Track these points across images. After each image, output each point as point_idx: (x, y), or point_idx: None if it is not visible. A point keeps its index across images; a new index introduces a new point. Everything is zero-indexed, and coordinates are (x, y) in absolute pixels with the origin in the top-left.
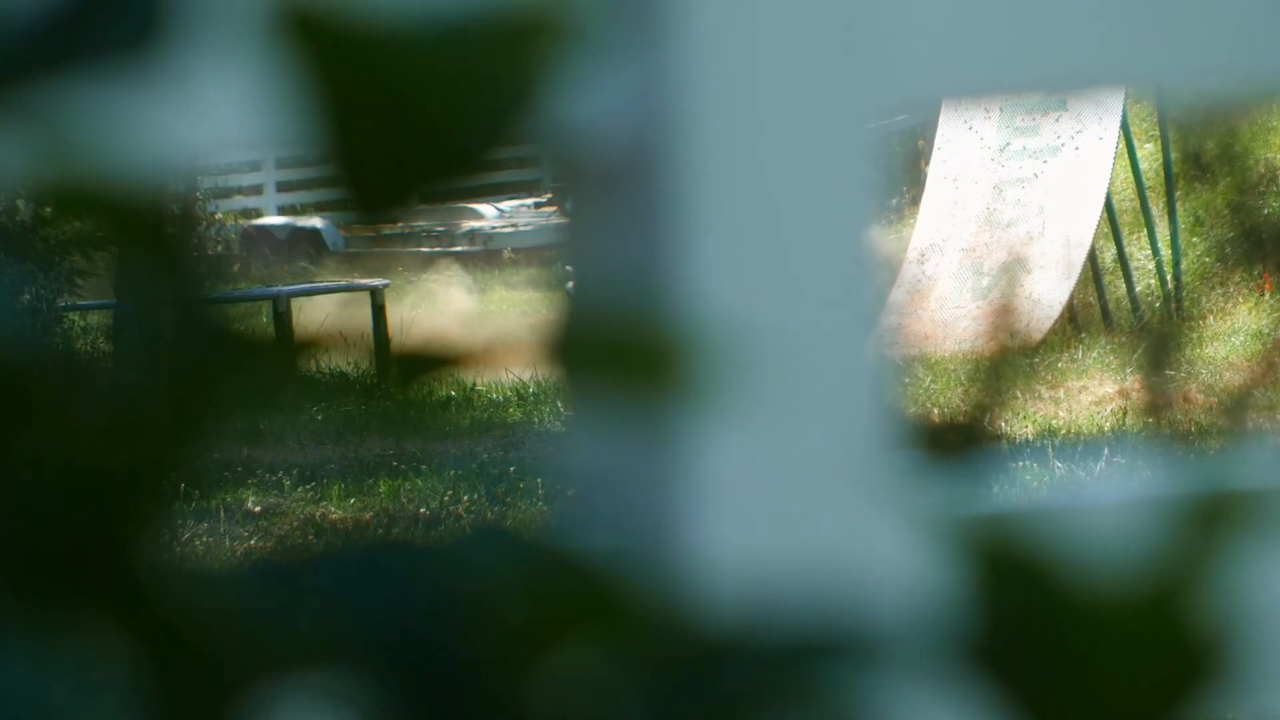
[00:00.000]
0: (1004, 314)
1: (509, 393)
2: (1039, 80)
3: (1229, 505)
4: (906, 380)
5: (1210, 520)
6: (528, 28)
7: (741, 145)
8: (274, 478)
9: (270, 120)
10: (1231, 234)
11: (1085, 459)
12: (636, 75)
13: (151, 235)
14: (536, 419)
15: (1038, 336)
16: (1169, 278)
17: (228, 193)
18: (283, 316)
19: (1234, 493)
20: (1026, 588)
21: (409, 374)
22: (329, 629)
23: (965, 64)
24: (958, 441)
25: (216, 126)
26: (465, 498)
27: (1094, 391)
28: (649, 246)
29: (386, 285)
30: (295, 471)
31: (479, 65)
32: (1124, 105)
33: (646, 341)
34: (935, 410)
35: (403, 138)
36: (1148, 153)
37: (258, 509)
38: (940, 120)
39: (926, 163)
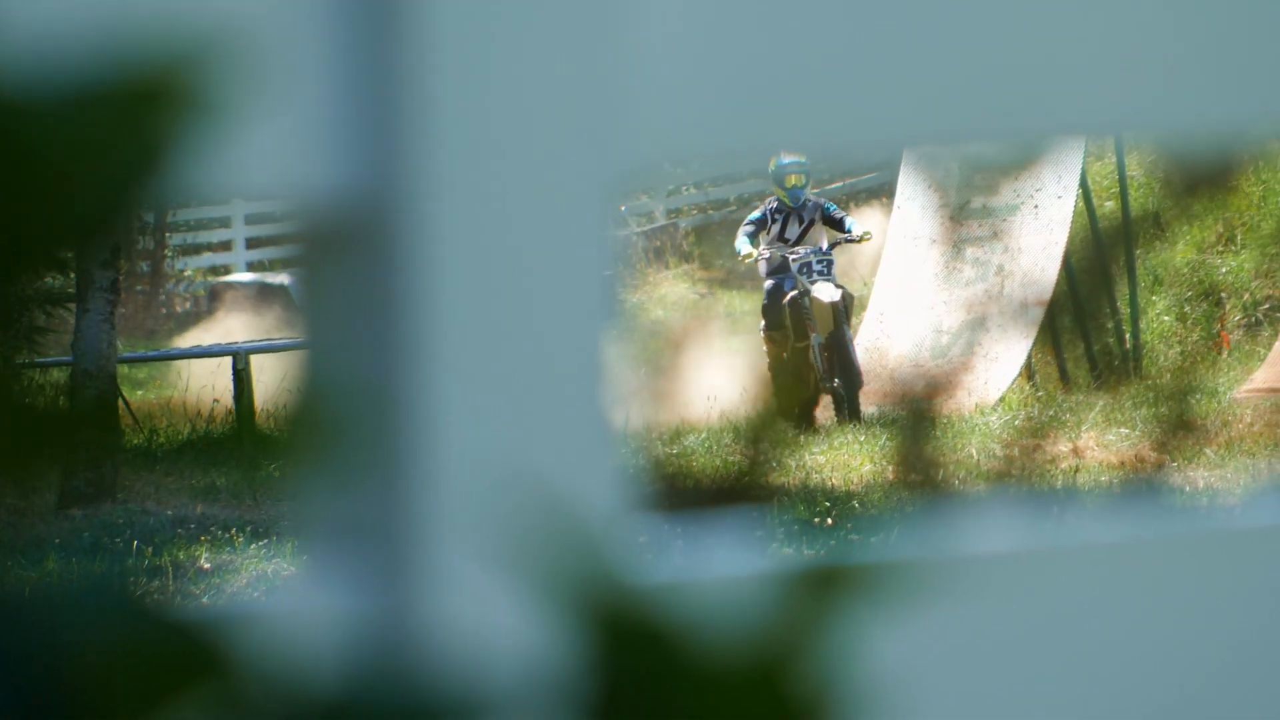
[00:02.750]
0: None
1: None
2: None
3: (839, 578)
4: (642, 443)
5: (819, 591)
6: (151, 94)
7: (476, 211)
8: (227, 534)
9: None
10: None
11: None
12: (371, 140)
13: None
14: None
15: (995, 395)
16: (1127, 336)
17: (196, 249)
18: (241, 373)
19: (844, 566)
20: (643, 654)
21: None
22: None
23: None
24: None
25: None
26: None
27: (1048, 450)
28: (382, 310)
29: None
30: (249, 529)
31: (100, 132)
32: (1083, 163)
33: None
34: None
35: (21, 204)
36: (1108, 210)
37: (208, 566)
38: (900, 179)
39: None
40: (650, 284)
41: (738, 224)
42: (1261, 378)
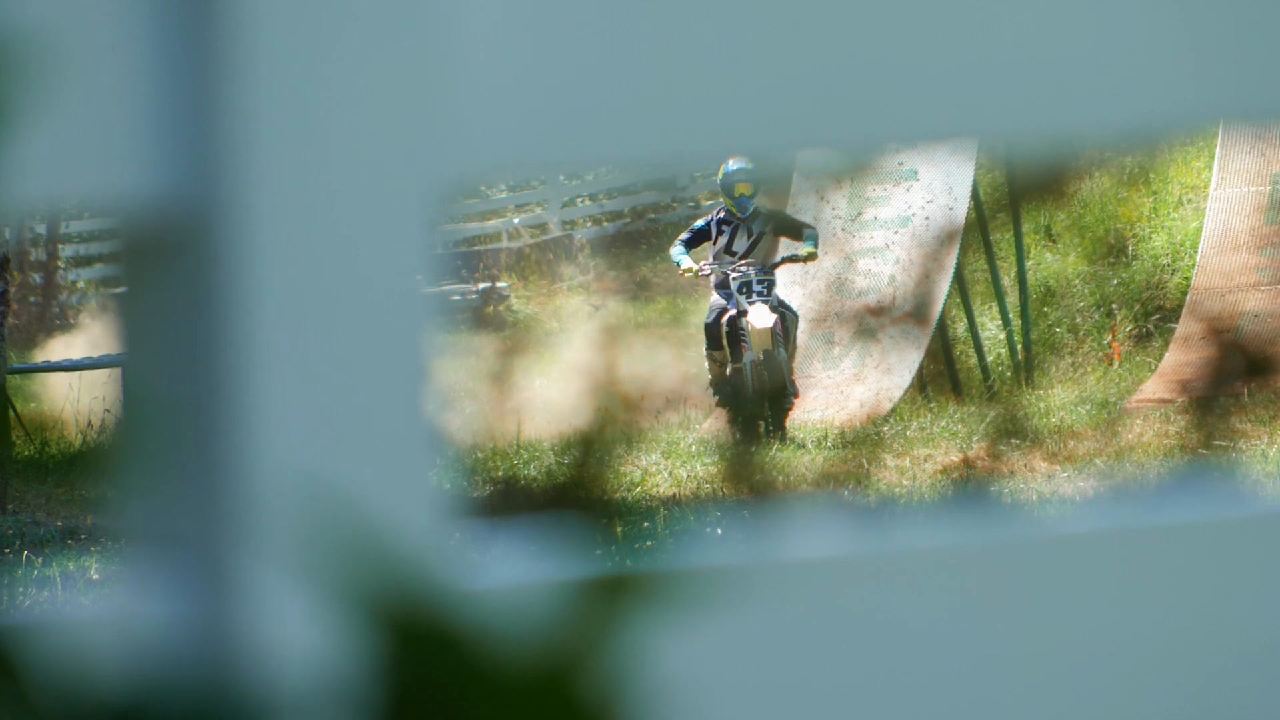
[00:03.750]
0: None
1: None
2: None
3: (627, 586)
4: (468, 451)
5: (607, 599)
6: None
7: (295, 218)
8: (119, 546)
9: None
10: (1081, 304)
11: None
12: (190, 145)
13: None
14: None
15: (888, 406)
16: (1019, 348)
17: (89, 260)
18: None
19: (633, 574)
20: (434, 659)
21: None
22: None
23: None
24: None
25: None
26: None
27: (939, 460)
28: (200, 317)
29: None
30: None
31: None
32: (975, 175)
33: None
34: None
35: None
36: (999, 222)
37: (98, 577)
38: (792, 191)
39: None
40: (544, 296)
41: (634, 236)
42: (1151, 388)
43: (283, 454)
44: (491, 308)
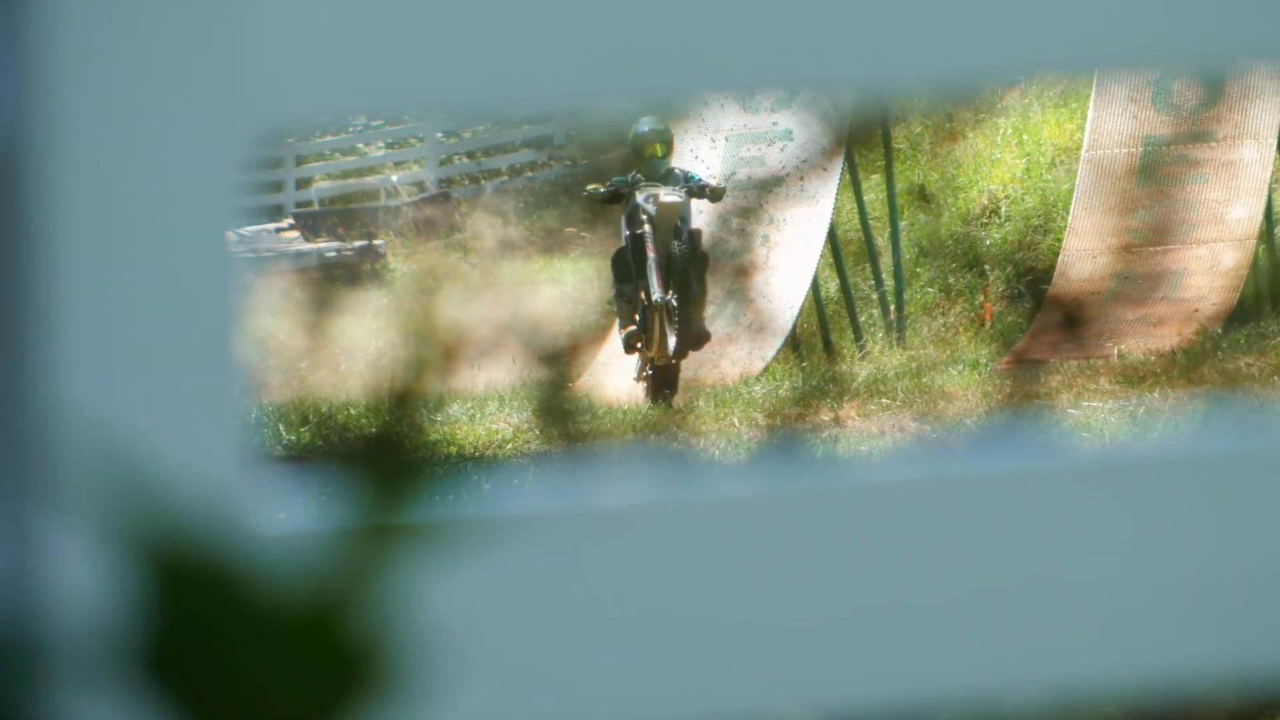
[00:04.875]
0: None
1: None
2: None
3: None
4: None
5: (373, 545)
6: None
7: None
8: None
9: None
10: (954, 265)
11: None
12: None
13: None
14: None
15: (760, 365)
16: (892, 308)
17: None
18: None
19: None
20: (203, 601)
21: None
22: None
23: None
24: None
25: None
26: None
27: (810, 419)
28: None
29: None
30: None
31: None
32: (848, 135)
33: None
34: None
35: None
36: (873, 183)
37: None
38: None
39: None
40: (421, 254)
41: (509, 195)
42: (1023, 349)
43: (83, 400)
44: (368, 265)
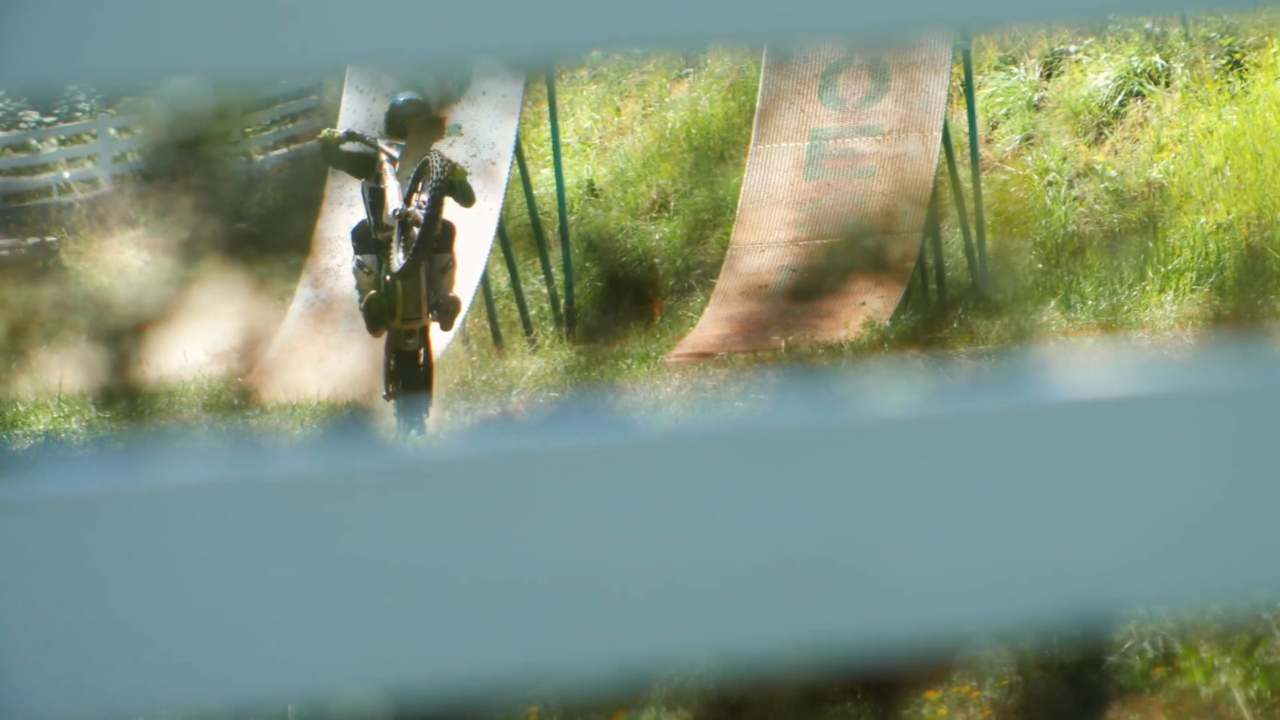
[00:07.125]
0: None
1: None
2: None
3: None
4: None
5: None
6: None
7: None
8: None
9: None
10: (624, 259)
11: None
12: None
13: None
14: None
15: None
16: (561, 302)
17: None
18: None
19: None
20: None
21: None
22: None
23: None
24: None
25: None
26: None
27: (480, 413)
28: None
29: None
30: None
31: None
32: (518, 130)
33: None
34: None
35: None
36: (544, 177)
37: None
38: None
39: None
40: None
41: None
42: (692, 342)
43: None
44: (41, 263)
